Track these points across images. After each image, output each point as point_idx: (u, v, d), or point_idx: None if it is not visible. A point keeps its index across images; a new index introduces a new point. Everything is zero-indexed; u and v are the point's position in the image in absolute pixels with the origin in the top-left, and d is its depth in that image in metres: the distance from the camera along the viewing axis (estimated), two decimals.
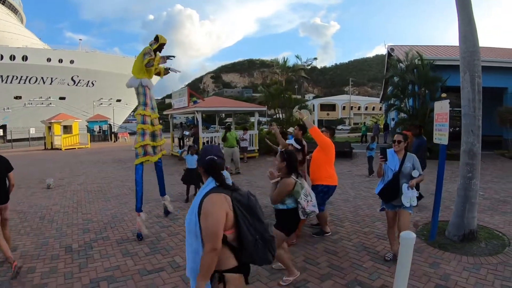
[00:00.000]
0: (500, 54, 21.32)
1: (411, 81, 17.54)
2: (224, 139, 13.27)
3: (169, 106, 23.07)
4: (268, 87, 21.78)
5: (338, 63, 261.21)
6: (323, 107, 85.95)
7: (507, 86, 18.86)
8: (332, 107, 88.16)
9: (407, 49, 19.77)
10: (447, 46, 26.20)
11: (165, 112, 23.22)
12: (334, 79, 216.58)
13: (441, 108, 5.73)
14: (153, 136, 6.33)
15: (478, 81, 5.52)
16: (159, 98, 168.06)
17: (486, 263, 4.67)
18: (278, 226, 4.17)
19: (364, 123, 36.79)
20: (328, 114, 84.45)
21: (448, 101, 5.67)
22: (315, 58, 24.25)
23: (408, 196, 4.57)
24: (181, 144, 20.89)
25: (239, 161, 13.58)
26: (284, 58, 21.58)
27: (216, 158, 2.47)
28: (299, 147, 5.84)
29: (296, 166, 4.20)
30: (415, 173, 4.58)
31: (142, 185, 6.16)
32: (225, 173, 2.70)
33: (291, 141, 5.92)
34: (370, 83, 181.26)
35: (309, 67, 22.95)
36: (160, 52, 6.26)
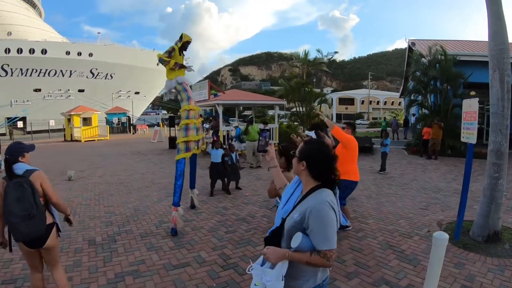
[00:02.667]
0: None
1: (434, 76, 17.13)
2: (246, 132, 13.20)
3: None
4: (288, 81, 21.60)
5: (356, 57, 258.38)
6: (342, 101, 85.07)
7: None
8: (350, 101, 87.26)
9: (430, 44, 19.31)
10: (469, 41, 25.57)
11: None
12: (352, 73, 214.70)
13: (470, 107, 5.62)
14: (196, 130, 6.25)
15: (508, 79, 5.42)
16: None
17: (511, 265, 4.60)
18: None
19: (385, 118, 36.21)
20: (346, 108, 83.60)
21: (477, 99, 5.53)
22: (336, 52, 23.65)
23: (257, 275, 2.18)
24: None
25: (261, 155, 13.50)
26: (304, 51, 21.34)
27: (8, 156, 3.29)
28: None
29: None
30: (295, 240, 1.99)
31: (183, 180, 6.06)
32: None
33: (311, 133, 5.84)
34: (389, 77, 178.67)
35: (331, 60, 22.63)
36: (185, 50, 6.21)
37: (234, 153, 9.46)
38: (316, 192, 2.11)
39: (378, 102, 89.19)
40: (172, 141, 20.61)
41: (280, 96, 20.97)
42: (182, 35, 6.09)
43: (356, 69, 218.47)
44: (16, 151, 3.37)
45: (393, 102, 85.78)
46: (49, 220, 3.40)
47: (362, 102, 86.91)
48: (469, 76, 16.34)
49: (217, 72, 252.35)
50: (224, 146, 9.82)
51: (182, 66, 6.17)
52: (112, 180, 10.95)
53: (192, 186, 7.04)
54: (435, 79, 17.30)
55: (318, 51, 21.60)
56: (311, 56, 21.87)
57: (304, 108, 20.91)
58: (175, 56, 6.04)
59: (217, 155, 8.83)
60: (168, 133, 22.30)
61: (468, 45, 22.65)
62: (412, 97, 19.01)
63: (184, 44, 6.12)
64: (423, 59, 18.41)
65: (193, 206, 7.34)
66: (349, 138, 5.82)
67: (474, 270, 4.46)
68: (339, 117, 76.87)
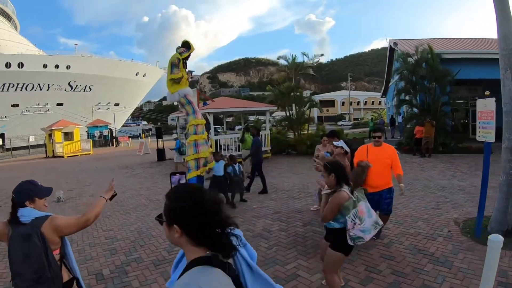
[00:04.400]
0: None
1: (422, 75, 17.35)
2: (242, 140, 12.75)
3: (167, 108, 22.58)
4: (277, 86, 21.37)
5: (334, 59, 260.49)
6: (322, 103, 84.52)
7: None
8: (331, 103, 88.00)
9: (416, 43, 19.72)
10: (450, 38, 25.95)
11: (172, 115, 22.78)
12: (330, 75, 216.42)
13: (485, 106, 5.66)
14: (206, 145, 5.88)
15: None
16: (156, 100, 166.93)
17: None
18: (334, 246, 3.63)
19: (372, 118, 36.36)
20: (327, 110, 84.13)
21: (493, 99, 5.54)
22: (322, 55, 23.84)
23: None
24: None
25: None
26: (292, 55, 21.18)
27: (14, 196, 2.66)
28: (348, 150, 5.47)
29: (347, 176, 3.67)
30: None
31: None
32: None
33: (341, 143, 5.53)
34: (367, 77, 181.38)
35: (317, 63, 22.59)
36: (187, 59, 5.82)
37: (237, 164, 9.04)
38: (188, 272, 1.36)
39: (358, 103, 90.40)
40: (161, 153, 20.05)
41: (270, 102, 20.75)
42: (188, 43, 5.71)
43: (333, 71, 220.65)
44: (24, 193, 2.69)
45: (373, 102, 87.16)
46: (65, 277, 2.73)
47: (343, 103, 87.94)
48: (457, 73, 16.68)
49: (196, 80, 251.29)
50: (225, 158, 9.41)
51: (193, 86, 5.87)
52: None
53: None
54: (423, 78, 17.48)
55: (304, 54, 21.43)
56: (297, 60, 21.84)
57: (295, 113, 20.65)
58: (181, 69, 5.67)
59: (219, 168, 8.30)
60: (156, 145, 21.65)
61: (449, 43, 23.02)
62: (401, 97, 19.08)
63: (190, 54, 5.79)
64: (409, 58, 18.57)
65: None
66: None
67: (504, 265, 4.50)
68: (320, 119, 77.25)
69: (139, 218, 7.97)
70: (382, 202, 5.56)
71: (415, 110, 18.79)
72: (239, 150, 15.23)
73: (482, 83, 20.47)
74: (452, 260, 4.84)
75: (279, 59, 22.69)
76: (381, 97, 45.73)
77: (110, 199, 3.14)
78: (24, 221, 2.55)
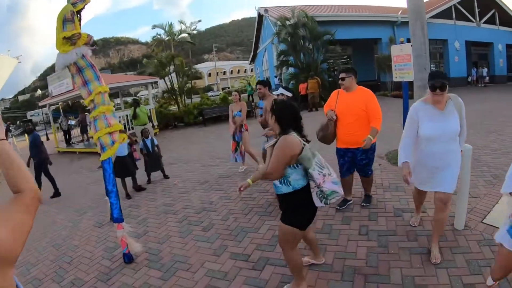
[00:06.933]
0: (373, 10, 25.12)
1: (303, 36, 18.47)
2: (135, 116, 11.53)
3: (25, 104, 19.68)
4: (156, 56, 20.16)
5: (195, 32, 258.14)
6: (189, 76, 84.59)
7: (381, 37, 21.37)
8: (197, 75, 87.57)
9: (287, 10, 21.02)
10: (321, 5, 27.74)
11: (41, 103, 19.85)
12: (192, 48, 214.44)
13: (401, 51, 6.62)
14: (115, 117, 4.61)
15: (426, 27, 6.64)
16: (11, 96, 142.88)
17: None
18: (286, 219, 2.87)
19: (249, 83, 36.67)
20: (195, 83, 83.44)
21: (410, 44, 6.49)
22: (199, 20, 22.94)
23: None
24: (68, 137, 17.93)
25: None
26: (168, 23, 20.12)
27: None
28: (290, 94, 5.05)
29: (297, 121, 2.87)
30: None
31: (117, 187, 4.42)
32: None
33: (280, 90, 5.15)
34: (229, 48, 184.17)
35: (195, 31, 21.92)
36: (80, 13, 4.51)
37: (149, 138, 7.96)
38: None
39: (224, 73, 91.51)
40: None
41: (150, 74, 19.46)
42: None
43: (196, 44, 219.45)
44: None
45: (239, 70, 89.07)
46: None
47: (209, 74, 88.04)
48: (335, 32, 18.47)
49: (53, 68, 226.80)
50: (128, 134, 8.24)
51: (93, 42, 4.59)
52: None
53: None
54: (303, 39, 18.59)
55: (181, 22, 20.59)
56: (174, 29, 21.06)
57: (178, 82, 19.80)
58: (76, 25, 4.37)
59: (123, 147, 7.00)
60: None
61: (319, 8, 24.66)
62: (283, 58, 19.77)
63: (84, 6, 4.52)
64: (287, 21, 19.23)
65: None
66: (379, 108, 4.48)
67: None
68: (188, 92, 76.42)
69: (46, 229, 6.28)
70: (356, 161, 4.62)
71: (292, 70, 19.99)
72: (131, 129, 13.98)
73: (351, 43, 22.73)
74: (401, 185, 5.24)
75: (154, 28, 21.30)
76: (250, 64, 46.60)
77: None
78: None
